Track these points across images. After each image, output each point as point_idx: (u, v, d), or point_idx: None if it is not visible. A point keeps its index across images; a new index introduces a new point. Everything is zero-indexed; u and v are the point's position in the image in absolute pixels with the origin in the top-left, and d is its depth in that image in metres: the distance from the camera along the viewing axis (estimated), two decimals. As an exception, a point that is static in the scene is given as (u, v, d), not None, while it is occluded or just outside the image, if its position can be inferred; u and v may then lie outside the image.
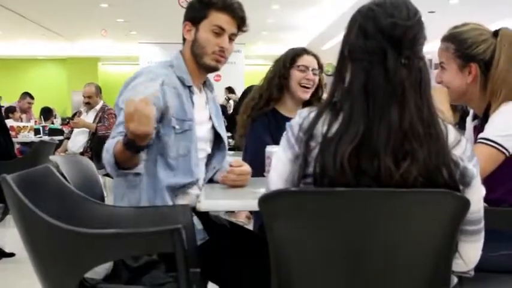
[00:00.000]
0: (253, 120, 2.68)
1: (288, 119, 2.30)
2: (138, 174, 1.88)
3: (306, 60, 2.66)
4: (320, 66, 2.69)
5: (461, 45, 1.94)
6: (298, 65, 2.64)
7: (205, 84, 2.20)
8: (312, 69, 2.65)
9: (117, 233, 1.49)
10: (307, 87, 2.64)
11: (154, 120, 1.69)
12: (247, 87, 5.54)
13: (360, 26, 1.31)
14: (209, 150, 2.17)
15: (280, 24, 13.82)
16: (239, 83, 12.20)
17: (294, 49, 2.72)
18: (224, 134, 2.21)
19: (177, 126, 1.95)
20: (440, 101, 1.90)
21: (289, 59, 2.65)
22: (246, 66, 15.90)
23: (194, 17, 2.05)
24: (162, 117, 1.92)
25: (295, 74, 2.64)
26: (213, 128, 2.18)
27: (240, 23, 2.06)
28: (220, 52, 2.03)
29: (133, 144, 1.67)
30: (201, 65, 2.06)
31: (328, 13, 12.17)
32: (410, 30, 1.29)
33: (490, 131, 1.86)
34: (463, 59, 1.95)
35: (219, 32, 2.01)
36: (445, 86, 1.99)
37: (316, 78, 2.67)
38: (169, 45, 13.82)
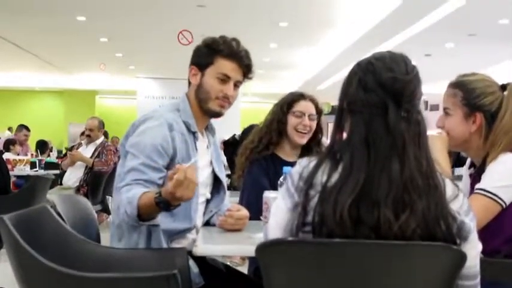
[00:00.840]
0: (251, 163, 2.67)
1: (287, 163, 2.33)
2: (155, 225, 1.88)
3: (302, 105, 2.65)
4: (318, 111, 2.69)
5: (469, 94, 1.95)
6: (294, 110, 2.64)
7: (207, 128, 2.20)
8: (309, 115, 2.64)
9: (113, 277, 1.49)
10: (304, 133, 2.63)
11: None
12: (248, 127, 5.42)
13: (360, 79, 1.33)
14: (208, 195, 2.16)
15: (277, 63, 13.94)
16: (235, 120, 12.25)
17: (293, 94, 2.73)
18: (224, 178, 2.22)
19: None
20: (440, 149, 1.92)
21: (286, 104, 2.66)
22: (242, 104, 16.01)
23: (200, 62, 2.05)
24: (170, 163, 1.93)
25: (292, 120, 2.64)
26: (213, 172, 2.18)
27: (246, 70, 2.06)
28: (224, 98, 2.03)
29: (168, 204, 1.68)
30: (205, 110, 2.06)
31: (325, 53, 12.33)
32: (410, 85, 1.31)
33: (487, 181, 1.87)
34: (469, 108, 1.96)
35: (224, 79, 2.02)
36: (446, 131, 2.00)
37: (314, 124, 2.66)
38: (167, 80, 13.96)
